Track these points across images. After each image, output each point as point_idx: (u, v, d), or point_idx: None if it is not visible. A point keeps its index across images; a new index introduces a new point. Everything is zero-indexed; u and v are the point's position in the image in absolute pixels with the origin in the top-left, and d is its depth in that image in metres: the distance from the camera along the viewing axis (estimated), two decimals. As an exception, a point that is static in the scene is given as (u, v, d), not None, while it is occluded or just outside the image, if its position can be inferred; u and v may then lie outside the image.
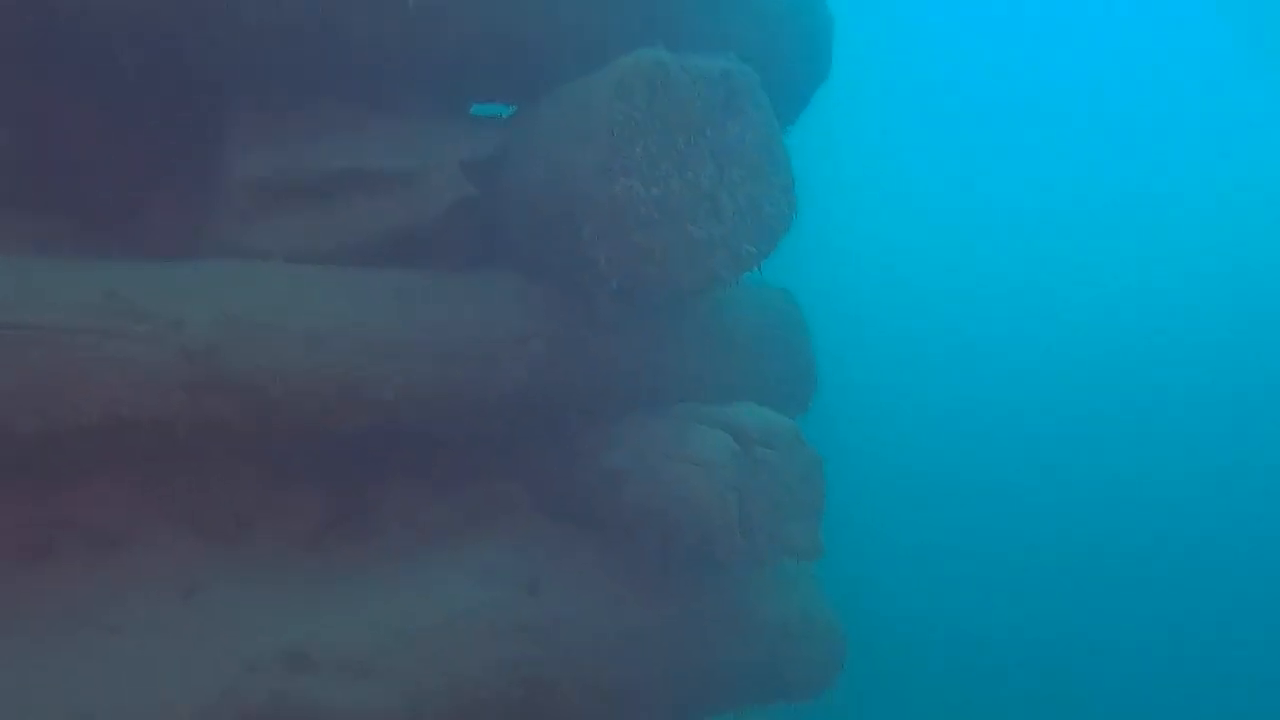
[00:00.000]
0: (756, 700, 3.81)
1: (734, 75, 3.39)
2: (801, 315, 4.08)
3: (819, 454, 3.47)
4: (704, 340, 3.79)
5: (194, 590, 3.03)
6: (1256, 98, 17.46)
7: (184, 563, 3.09)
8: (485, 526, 3.66)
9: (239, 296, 2.99)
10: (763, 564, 3.42)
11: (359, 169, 3.36)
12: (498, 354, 3.42)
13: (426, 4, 3.30)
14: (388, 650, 3.08)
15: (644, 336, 3.64)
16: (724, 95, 3.37)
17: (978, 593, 11.34)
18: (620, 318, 3.48)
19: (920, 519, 12.20)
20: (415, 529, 3.59)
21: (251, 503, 3.27)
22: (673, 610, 3.55)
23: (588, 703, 3.39)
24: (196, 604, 3.00)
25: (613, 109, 3.16)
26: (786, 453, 3.42)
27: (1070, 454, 13.95)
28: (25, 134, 3.24)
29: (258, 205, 3.20)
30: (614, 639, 3.45)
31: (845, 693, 4.01)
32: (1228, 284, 15.39)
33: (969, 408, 14.94)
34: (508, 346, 3.44)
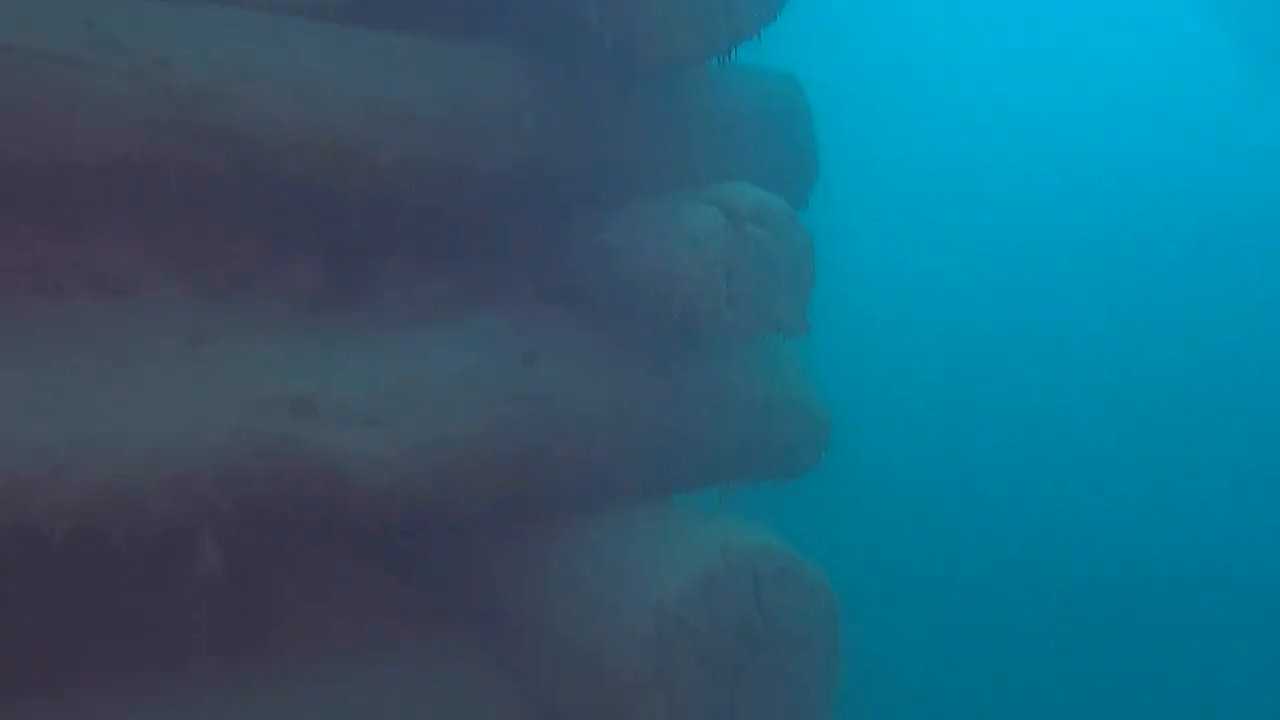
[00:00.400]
0: (740, 477, 3.97)
1: None
2: (806, 103, 4.00)
3: (810, 234, 3.48)
4: (700, 121, 3.74)
5: (198, 339, 3.16)
6: (1256, 107, 16.39)
7: (188, 314, 3.20)
8: (482, 303, 3.75)
9: (225, 41, 2.97)
10: (749, 338, 3.49)
11: (348, -81, 3.27)
12: (491, 126, 3.40)
13: None
14: (389, 404, 3.20)
15: (639, 113, 3.60)
16: None
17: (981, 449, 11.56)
18: (615, 89, 3.43)
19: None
20: (412, 302, 3.69)
21: (251, 262, 3.36)
22: (660, 386, 3.66)
23: (577, 471, 3.55)
24: (202, 351, 3.13)
25: None
26: (778, 232, 3.43)
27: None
28: None
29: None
30: (603, 411, 3.57)
31: (828, 480, 4.17)
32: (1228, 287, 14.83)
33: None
34: (502, 119, 3.42)
